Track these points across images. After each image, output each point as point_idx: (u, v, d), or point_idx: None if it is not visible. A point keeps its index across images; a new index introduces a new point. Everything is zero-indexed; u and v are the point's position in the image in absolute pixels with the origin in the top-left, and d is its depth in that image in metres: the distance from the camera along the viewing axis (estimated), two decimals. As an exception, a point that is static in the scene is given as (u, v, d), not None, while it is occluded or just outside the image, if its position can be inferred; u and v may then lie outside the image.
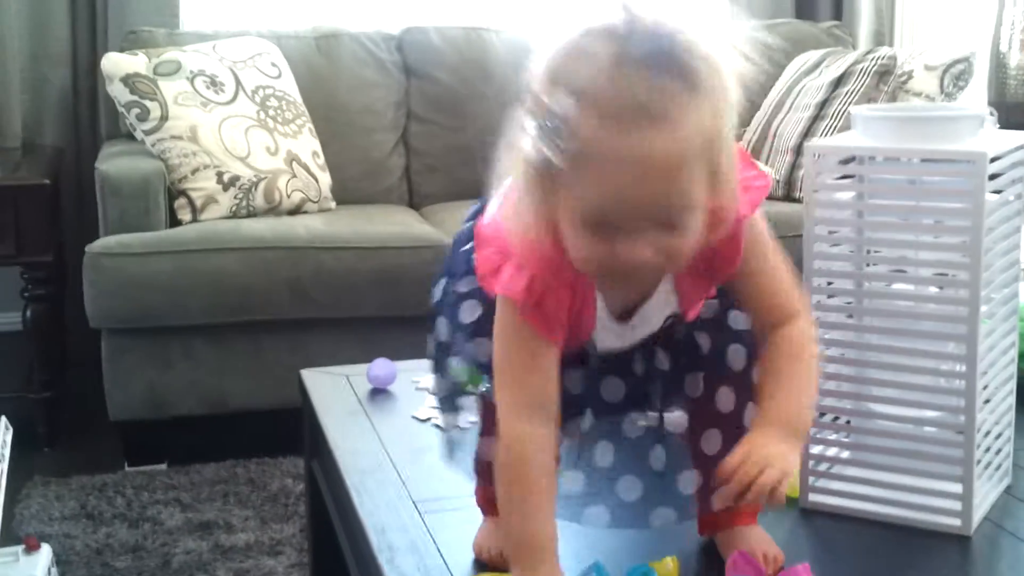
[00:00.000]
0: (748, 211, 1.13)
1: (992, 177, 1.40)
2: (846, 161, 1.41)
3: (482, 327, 1.23)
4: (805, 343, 1.22)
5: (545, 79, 1.02)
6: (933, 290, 1.44)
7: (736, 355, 1.27)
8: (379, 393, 1.94)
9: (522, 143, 1.04)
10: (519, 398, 1.15)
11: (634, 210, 1.01)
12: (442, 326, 1.33)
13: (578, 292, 1.15)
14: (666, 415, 1.29)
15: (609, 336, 1.20)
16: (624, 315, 1.19)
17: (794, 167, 3.20)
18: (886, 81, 3.23)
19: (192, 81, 2.98)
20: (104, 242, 2.68)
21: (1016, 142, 1.46)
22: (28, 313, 2.84)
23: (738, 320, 1.27)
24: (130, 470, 2.70)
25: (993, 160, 1.37)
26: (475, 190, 3.46)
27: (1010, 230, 1.48)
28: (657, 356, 1.26)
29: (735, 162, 1.08)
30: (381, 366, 1.94)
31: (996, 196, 1.43)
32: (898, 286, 1.45)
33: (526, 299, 1.12)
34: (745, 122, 3.45)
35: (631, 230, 1.03)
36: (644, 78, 0.98)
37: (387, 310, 2.75)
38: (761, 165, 3.12)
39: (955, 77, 3.27)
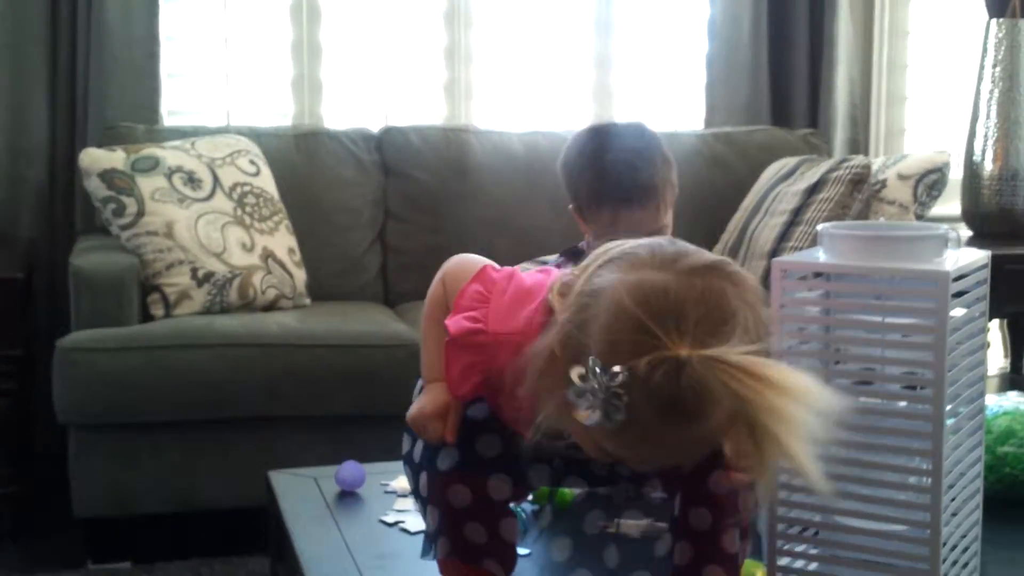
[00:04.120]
0: None
1: (958, 294, 1.42)
2: (815, 275, 1.42)
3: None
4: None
5: (614, 333, 1.10)
6: (901, 404, 1.45)
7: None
8: (347, 496, 1.93)
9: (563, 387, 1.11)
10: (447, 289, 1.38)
11: (654, 465, 1.22)
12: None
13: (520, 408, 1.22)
14: (622, 520, 1.33)
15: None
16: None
17: (769, 272, 3.21)
18: (860, 189, 3.26)
19: (170, 177, 2.99)
20: (75, 337, 2.67)
21: (979, 260, 1.48)
22: (-6, 406, 2.81)
23: None
24: (93, 568, 2.66)
25: (957, 279, 1.38)
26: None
27: (975, 346, 1.49)
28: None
29: None
30: (350, 469, 1.93)
31: (962, 312, 1.44)
32: (864, 400, 1.46)
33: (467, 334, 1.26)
34: (722, 226, 3.48)
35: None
36: (710, 378, 1.07)
37: (360, 409, 2.74)
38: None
39: (928, 187, 3.31)
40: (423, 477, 1.40)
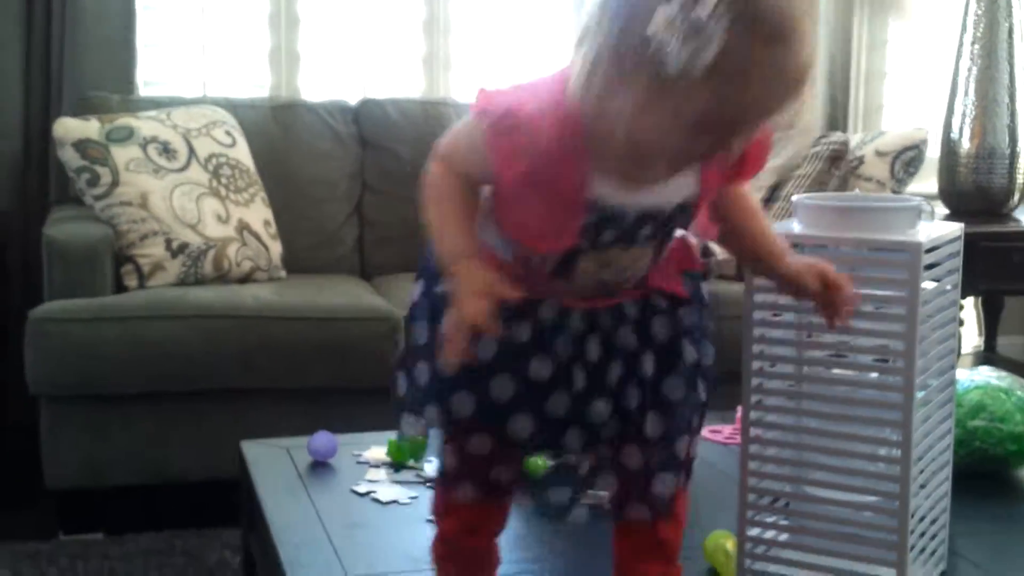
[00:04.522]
0: None
1: (930, 267, 1.42)
2: (791, 246, 1.42)
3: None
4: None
5: None
6: (872, 376, 1.45)
7: (675, 388, 1.29)
8: (319, 466, 1.93)
9: (631, 37, 1.04)
10: (452, 165, 1.23)
11: (750, 119, 1.07)
12: (420, 330, 1.31)
13: (565, 158, 1.14)
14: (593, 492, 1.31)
15: (616, 193, 1.18)
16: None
17: (745, 248, 3.22)
18: (838, 166, 3.27)
19: (144, 148, 2.97)
20: (48, 307, 2.65)
21: (952, 233, 1.48)
22: (-34, 377, 2.80)
23: (690, 353, 1.30)
24: (65, 539, 2.65)
25: (930, 251, 1.38)
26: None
27: (947, 319, 1.49)
28: (610, 371, 1.27)
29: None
30: (322, 439, 1.93)
31: (933, 285, 1.44)
32: (837, 371, 1.46)
33: (500, 118, 1.14)
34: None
35: (731, 134, 1.08)
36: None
37: (334, 381, 2.73)
38: (713, 245, 3.15)
39: (905, 164, 3.32)
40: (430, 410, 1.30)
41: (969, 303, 3.81)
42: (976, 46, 3.41)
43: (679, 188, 1.21)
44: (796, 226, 1.47)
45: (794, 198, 1.49)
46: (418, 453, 1.88)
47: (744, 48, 1.01)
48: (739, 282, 3.18)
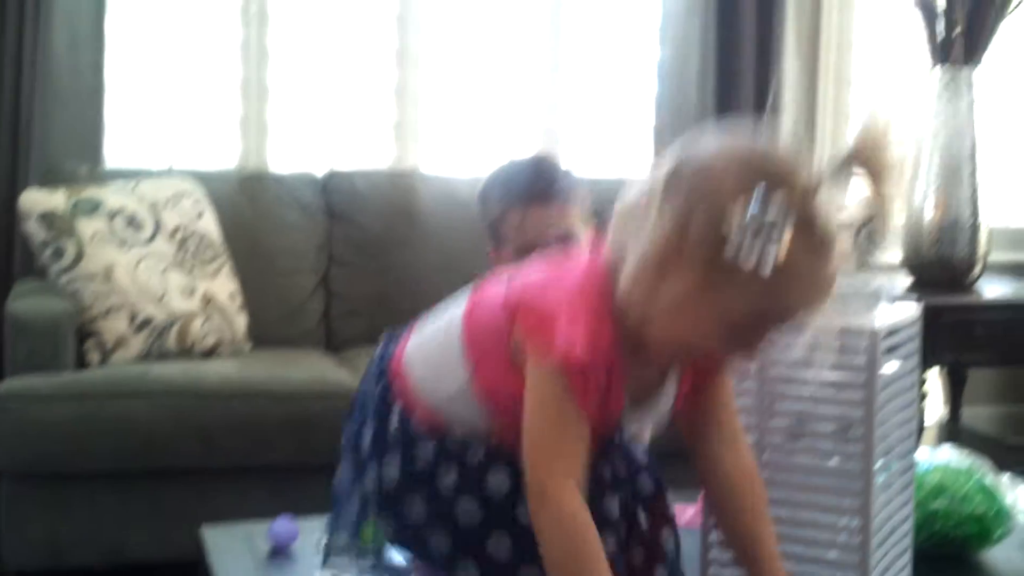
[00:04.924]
0: None
1: (890, 349, 1.42)
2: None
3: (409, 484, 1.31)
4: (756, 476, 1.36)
5: (747, 180, 1.11)
6: (832, 461, 1.44)
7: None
8: (281, 553, 1.89)
9: (695, 232, 1.12)
10: (567, 470, 1.20)
11: (784, 320, 1.16)
12: (370, 475, 1.37)
13: (613, 371, 1.20)
14: None
15: (633, 418, 1.27)
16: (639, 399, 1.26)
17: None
18: (802, 235, 3.28)
19: (111, 220, 2.96)
20: (8, 385, 2.62)
21: (910, 316, 1.49)
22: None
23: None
24: (25, 620, 2.60)
25: (889, 335, 1.39)
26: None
27: (907, 401, 1.50)
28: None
29: None
30: (282, 525, 1.90)
31: (894, 367, 1.44)
32: (797, 458, 1.45)
33: (582, 359, 1.16)
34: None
35: (763, 334, 1.16)
36: (832, 211, 1.12)
37: (298, 459, 2.71)
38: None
39: (869, 233, 3.33)
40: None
41: (934, 373, 3.82)
42: (939, 117, 3.45)
43: (668, 398, 1.29)
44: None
45: None
46: (382, 539, 1.86)
47: (797, 253, 1.11)
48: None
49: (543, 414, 1.20)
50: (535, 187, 2.02)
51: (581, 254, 1.28)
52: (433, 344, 1.36)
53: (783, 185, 1.11)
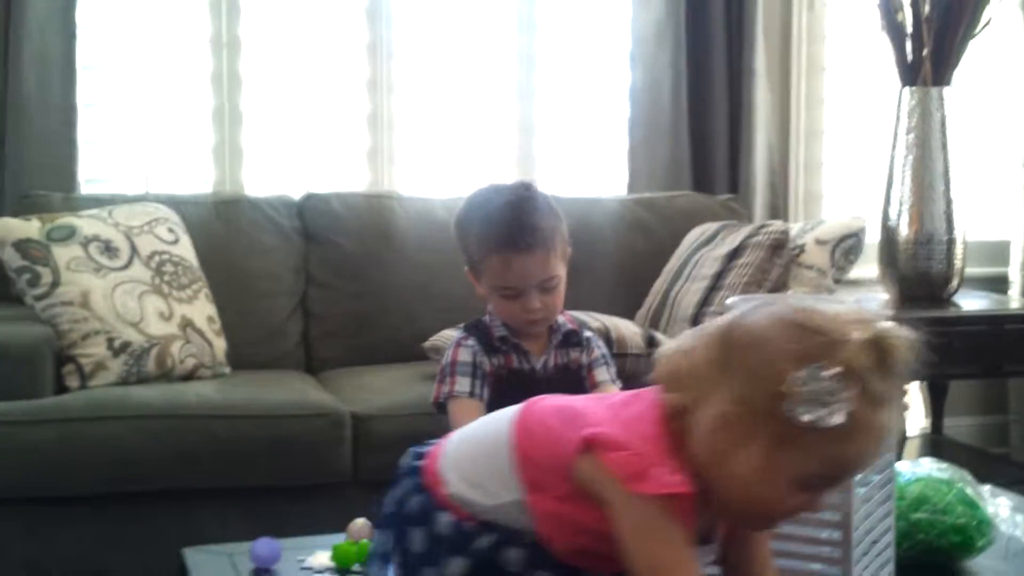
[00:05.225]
0: None
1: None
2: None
3: None
4: None
5: (802, 348, 1.18)
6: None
7: None
8: (263, 573, 1.89)
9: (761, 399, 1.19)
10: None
11: (848, 474, 1.25)
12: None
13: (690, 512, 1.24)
14: None
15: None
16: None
17: (690, 337, 3.23)
18: (779, 254, 3.30)
19: (86, 247, 2.95)
20: (-13, 410, 2.61)
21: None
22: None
23: None
24: (3, 648, 2.58)
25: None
26: (374, 356, 3.46)
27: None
28: None
29: None
30: (264, 545, 1.90)
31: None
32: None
33: (688, 493, 1.21)
34: (646, 290, 3.50)
35: (826, 488, 1.24)
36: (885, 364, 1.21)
37: (279, 480, 2.70)
38: (658, 335, 3.16)
39: (845, 251, 3.36)
40: None
41: (915, 386, 3.84)
42: (911, 135, 3.49)
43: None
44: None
45: (728, 302, 1.52)
46: (364, 557, 1.86)
47: (858, 411, 1.17)
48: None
49: (655, 539, 1.23)
50: (516, 236, 1.98)
51: (640, 400, 1.31)
52: (478, 458, 1.39)
53: (836, 351, 1.18)
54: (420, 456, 1.45)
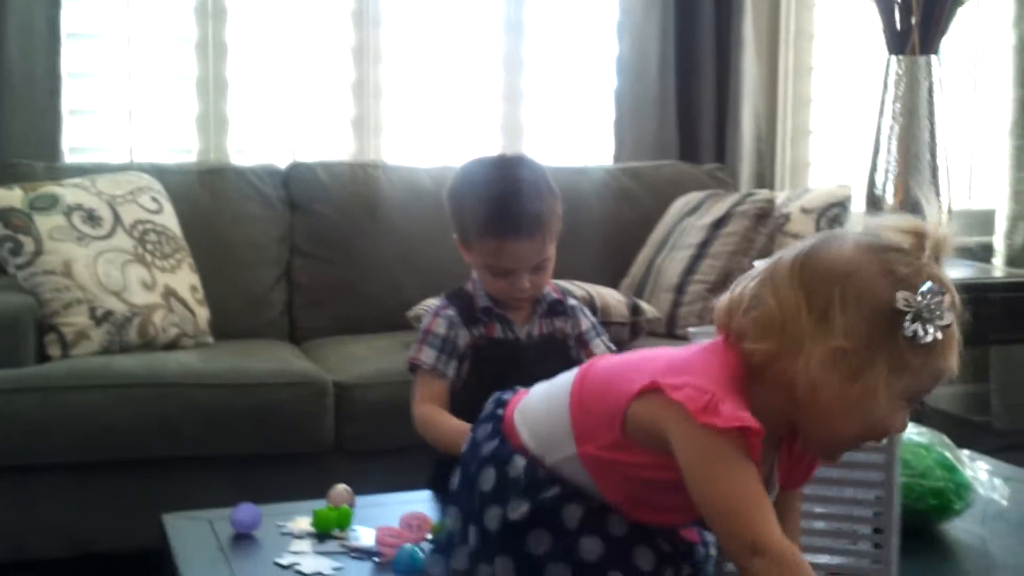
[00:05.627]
0: None
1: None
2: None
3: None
4: None
5: (893, 271, 1.23)
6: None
7: None
8: (243, 538, 1.89)
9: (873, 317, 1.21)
10: (772, 519, 1.22)
11: (937, 385, 1.27)
12: (493, 513, 1.37)
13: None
14: None
15: None
16: None
17: (675, 304, 3.24)
18: (764, 223, 3.30)
19: (69, 216, 2.94)
20: (-32, 379, 2.60)
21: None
22: None
23: None
24: (-13, 615, 2.59)
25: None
26: (357, 325, 3.44)
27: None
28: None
29: None
30: (245, 511, 1.89)
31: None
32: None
33: (760, 429, 1.20)
34: (630, 259, 3.50)
35: (916, 404, 1.28)
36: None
37: (262, 448, 2.71)
38: (642, 303, 3.16)
39: (831, 220, 3.36)
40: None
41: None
42: (897, 104, 3.48)
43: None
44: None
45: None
46: (344, 523, 1.85)
47: (953, 326, 1.23)
48: (669, 338, 3.19)
49: (728, 473, 1.22)
50: (515, 222, 1.95)
51: (704, 352, 1.30)
52: (542, 414, 1.39)
53: (922, 266, 1.23)
54: (501, 404, 1.46)
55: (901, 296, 1.20)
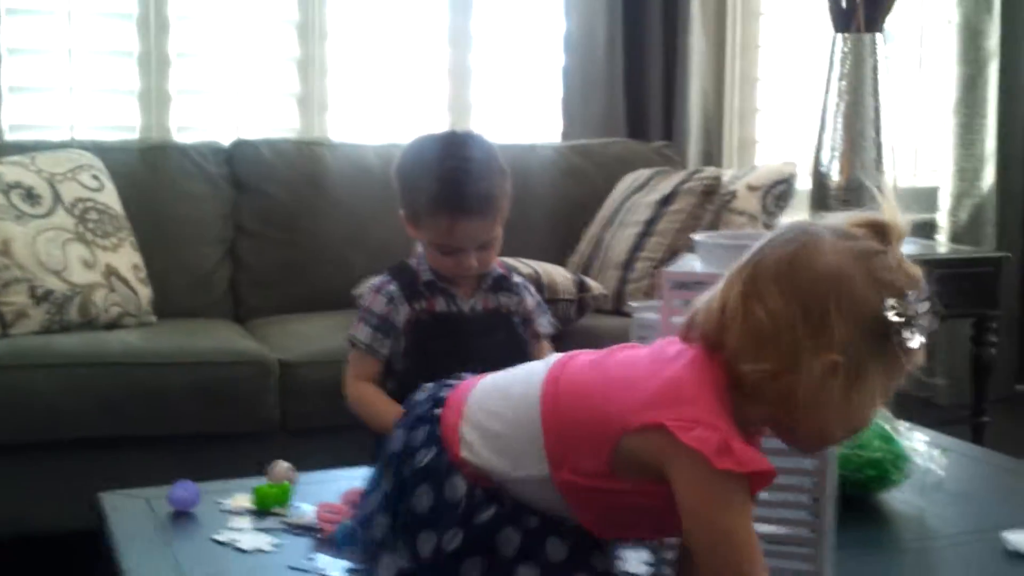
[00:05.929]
0: None
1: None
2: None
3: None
4: None
5: (875, 277, 1.22)
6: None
7: None
8: (181, 516, 1.87)
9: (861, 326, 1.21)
10: (762, 560, 1.23)
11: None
12: (427, 541, 1.31)
13: None
14: None
15: None
16: None
17: (622, 281, 3.24)
18: (711, 200, 3.31)
19: (7, 194, 2.89)
20: (-97, 358, 2.56)
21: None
22: None
23: None
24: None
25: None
26: (303, 304, 3.41)
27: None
28: None
29: None
30: (182, 488, 1.88)
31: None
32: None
33: (773, 471, 1.22)
34: (578, 236, 3.50)
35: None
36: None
37: (204, 427, 2.68)
38: (589, 280, 3.16)
39: (776, 197, 3.37)
40: None
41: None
42: (843, 82, 3.50)
43: None
44: (698, 264, 1.49)
45: (695, 236, 1.53)
46: (284, 500, 1.84)
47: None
48: (615, 315, 3.19)
49: (732, 515, 1.21)
50: (466, 201, 1.94)
51: (685, 366, 1.25)
52: (502, 422, 1.31)
53: (901, 269, 1.24)
54: (439, 402, 1.37)
55: (890, 305, 1.21)
